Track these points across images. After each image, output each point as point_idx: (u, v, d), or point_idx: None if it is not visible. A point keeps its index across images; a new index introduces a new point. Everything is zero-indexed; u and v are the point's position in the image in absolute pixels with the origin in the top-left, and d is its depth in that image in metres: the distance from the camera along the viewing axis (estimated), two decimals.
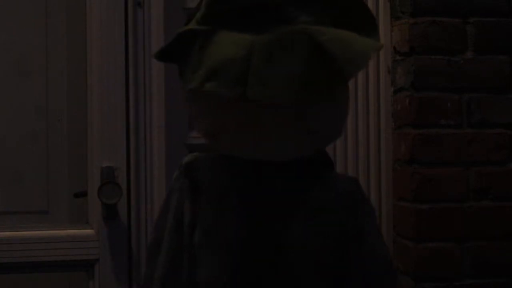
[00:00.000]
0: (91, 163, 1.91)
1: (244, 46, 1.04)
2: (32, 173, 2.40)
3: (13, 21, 2.37)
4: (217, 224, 1.17)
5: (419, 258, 1.83)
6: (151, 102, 1.91)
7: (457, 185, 1.85)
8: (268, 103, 1.04)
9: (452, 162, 1.85)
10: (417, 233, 1.84)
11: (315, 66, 1.03)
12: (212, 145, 1.19)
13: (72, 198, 2.20)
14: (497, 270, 1.86)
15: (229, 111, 1.10)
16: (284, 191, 1.17)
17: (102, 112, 1.90)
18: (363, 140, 1.97)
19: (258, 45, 1.04)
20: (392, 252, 1.91)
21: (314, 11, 1.09)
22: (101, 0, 1.90)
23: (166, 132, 1.91)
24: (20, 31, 2.37)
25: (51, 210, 2.41)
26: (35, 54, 2.39)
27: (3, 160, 2.38)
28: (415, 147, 1.84)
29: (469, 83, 1.87)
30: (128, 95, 1.90)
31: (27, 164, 2.39)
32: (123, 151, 1.90)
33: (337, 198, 1.19)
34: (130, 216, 1.90)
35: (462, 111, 1.87)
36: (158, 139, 1.91)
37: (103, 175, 1.88)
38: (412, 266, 1.85)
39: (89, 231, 1.91)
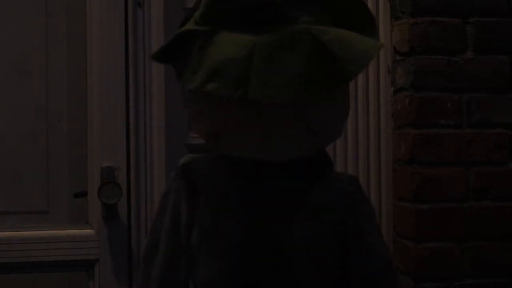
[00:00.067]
0: (91, 163, 1.91)
1: (245, 46, 1.04)
2: (32, 173, 2.40)
3: (13, 21, 2.37)
4: (216, 224, 1.17)
5: (419, 258, 1.83)
6: (151, 102, 1.91)
7: (457, 185, 1.85)
8: (268, 103, 1.04)
9: (452, 162, 1.85)
10: (417, 233, 1.84)
11: (316, 66, 1.03)
12: (211, 145, 1.19)
13: (72, 198, 2.20)
14: (497, 270, 1.86)
15: (229, 111, 1.10)
16: (284, 191, 1.17)
17: (102, 112, 1.89)
18: (363, 140, 1.97)
19: (259, 45, 1.03)
20: (392, 252, 1.91)
21: (314, 11, 1.09)
22: (101, 0, 1.90)
23: (166, 132, 1.91)
24: (20, 31, 2.37)
25: (51, 210, 2.41)
26: (35, 54, 2.38)
27: (3, 160, 2.38)
28: (415, 147, 1.84)
29: (469, 83, 1.87)
30: (128, 95, 1.90)
31: (27, 164, 2.39)
32: (123, 151, 1.90)
33: (337, 198, 1.19)
34: (130, 216, 1.90)
35: (462, 111, 1.87)
36: (158, 139, 1.91)
37: (103, 175, 1.88)
38: (412, 266, 1.85)
39: (89, 231, 1.91)
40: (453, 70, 1.86)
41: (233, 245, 1.15)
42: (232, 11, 1.07)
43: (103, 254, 1.89)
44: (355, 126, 1.97)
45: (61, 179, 2.40)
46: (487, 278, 1.86)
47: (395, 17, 1.93)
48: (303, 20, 1.07)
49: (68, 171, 2.39)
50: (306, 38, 1.04)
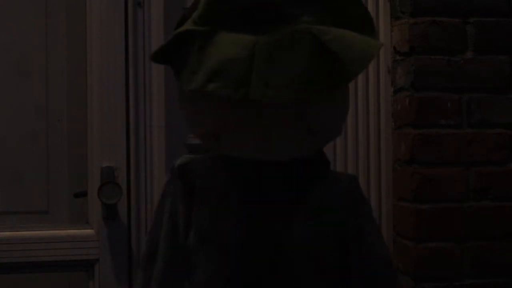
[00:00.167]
0: (91, 163, 1.91)
1: (245, 46, 1.04)
2: (32, 173, 2.40)
3: (13, 21, 2.37)
4: (215, 224, 1.17)
5: (419, 258, 1.84)
6: (151, 102, 1.91)
7: (457, 185, 1.85)
8: (269, 103, 1.04)
9: (452, 162, 1.85)
10: (417, 233, 1.84)
11: (317, 66, 1.03)
12: (210, 146, 1.19)
13: (72, 198, 2.20)
14: (497, 270, 1.86)
15: (230, 111, 1.10)
16: (284, 191, 1.17)
17: (102, 112, 1.90)
18: (363, 140, 1.97)
19: (259, 46, 1.03)
20: (392, 252, 1.92)
21: (314, 11, 1.08)
22: (101, 0, 1.90)
23: (166, 132, 1.91)
24: (20, 31, 2.37)
25: (51, 210, 2.41)
26: (35, 54, 2.38)
27: (3, 160, 2.38)
28: (415, 147, 1.84)
29: (469, 83, 1.87)
30: (128, 95, 1.90)
31: (27, 164, 2.39)
32: (123, 151, 1.90)
33: (337, 198, 1.19)
34: (130, 216, 1.90)
35: (462, 111, 1.87)
36: (158, 139, 1.91)
37: (103, 175, 1.88)
38: (412, 266, 1.85)
39: (89, 231, 1.91)
40: (453, 70, 1.86)
41: (233, 245, 1.15)
42: (232, 11, 1.07)
43: (103, 254, 1.89)
44: (355, 126, 1.97)
45: (61, 179, 2.40)
46: (487, 278, 1.86)
47: (395, 17, 1.93)
48: (303, 20, 1.07)
49: (68, 171, 2.39)
50: (307, 38, 1.04)
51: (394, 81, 1.94)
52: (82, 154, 1.99)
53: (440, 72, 1.85)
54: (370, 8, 1.96)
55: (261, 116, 1.09)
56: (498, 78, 1.89)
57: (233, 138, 1.14)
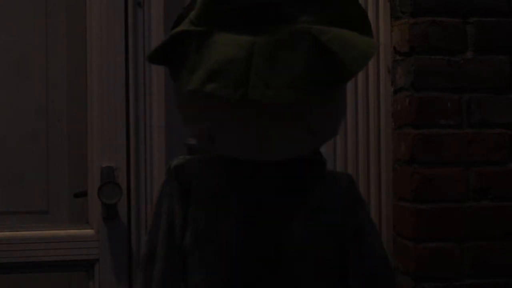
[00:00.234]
0: (91, 163, 1.91)
1: (244, 46, 1.03)
2: (32, 173, 2.40)
3: (13, 21, 2.37)
4: (213, 225, 1.17)
5: (419, 258, 1.83)
6: (151, 102, 1.91)
7: (457, 185, 1.85)
8: (268, 103, 1.04)
9: (452, 162, 1.85)
10: (417, 233, 1.84)
11: (316, 65, 1.03)
12: (208, 146, 1.18)
13: (72, 198, 2.20)
14: (497, 270, 1.86)
15: (229, 111, 1.10)
16: (284, 191, 1.17)
17: (102, 112, 1.89)
18: (363, 140, 1.97)
19: (258, 45, 1.03)
20: (392, 252, 1.92)
21: (314, 11, 1.08)
22: (101, 0, 1.90)
23: (166, 132, 1.91)
24: (20, 31, 2.37)
25: (51, 210, 2.41)
26: (35, 54, 2.38)
27: (3, 160, 2.38)
28: (415, 147, 1.84)
29: (469, 83, 1.87)
30: (128, 95, 1.90)
31: (27, 164, 2.39)
32: (123, 151, 1.90)
33: (337, 198, 1.19)
34: (130, 216, 1.90)
35: (462, 111, 1.87)
36: (158, 139, 1.91)
37: (103, 175, 1.88)
38: (412, 266, 1.84)
39: (89, 231, 1.91)
40: (453, 70, 1.86)
41: (233, 245, 1.15)
42: (231, 11, 1.07)
43: (103, 254, 1.89)
44: (355, 126, 1.97)
45: (61, 179, 2.40)
46: (487, 278, 1.86)
47: (395, 17, 1.93)
48: (303, 20, 1.07)
49: (68, 171, 2.39)
50: (306, 38, 1.04)
51: (394, 81, 1.94)
52: (82, 154, 1.99)
53: (440, 72, 1.85)
54: (370, 8, 1.96)
55: (260, 116, 1.09)
56: (498, 78, 1.89)
57: (232, 138, 1.13)
